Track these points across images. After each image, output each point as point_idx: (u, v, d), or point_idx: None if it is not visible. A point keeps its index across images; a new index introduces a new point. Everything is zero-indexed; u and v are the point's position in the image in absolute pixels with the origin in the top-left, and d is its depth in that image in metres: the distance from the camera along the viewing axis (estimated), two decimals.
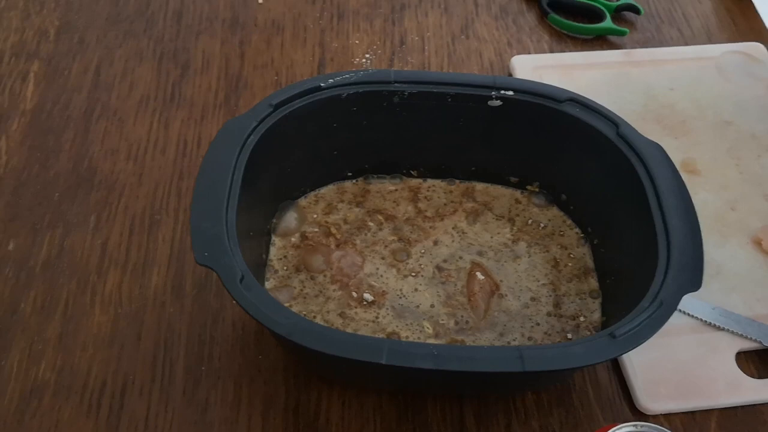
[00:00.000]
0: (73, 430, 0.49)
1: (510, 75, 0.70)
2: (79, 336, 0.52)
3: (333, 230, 0.56)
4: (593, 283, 0.54)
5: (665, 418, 0.50)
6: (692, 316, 0.54)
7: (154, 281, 0.55)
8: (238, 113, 0.65)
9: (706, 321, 0.54)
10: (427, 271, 0.55)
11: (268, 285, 0.53)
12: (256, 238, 0.53)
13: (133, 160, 0.62)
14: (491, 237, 0.56)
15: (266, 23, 0.74)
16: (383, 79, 0.53)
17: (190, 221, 0.45)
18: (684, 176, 0.50)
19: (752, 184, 0.62)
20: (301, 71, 0.70)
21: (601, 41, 0.74)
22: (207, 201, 0.46)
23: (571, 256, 0.55)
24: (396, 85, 0.53)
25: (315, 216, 0.57)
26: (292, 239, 0.56)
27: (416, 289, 0.54)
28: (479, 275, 0.54)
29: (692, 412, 0.50)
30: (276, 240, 0.55)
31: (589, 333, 0.52)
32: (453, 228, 0.57)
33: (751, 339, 0.53)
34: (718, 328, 0.53)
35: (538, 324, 0.52)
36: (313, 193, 0.58)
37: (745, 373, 0.52)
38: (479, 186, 0.59)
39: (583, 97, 0.53)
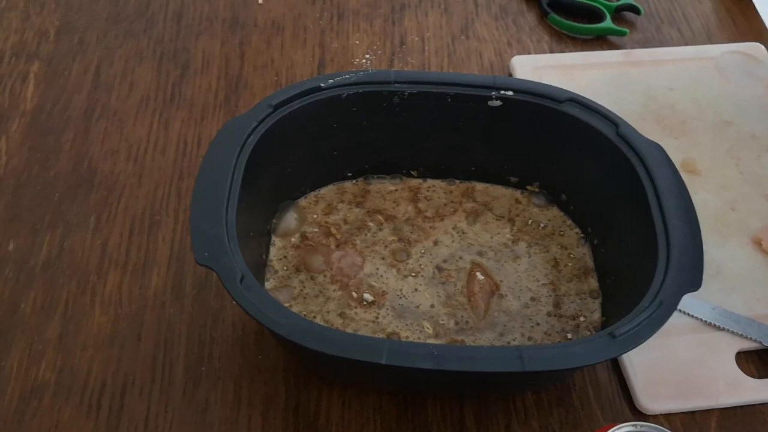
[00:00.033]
0: (73, 431, 0.49)
1: (510, 75, 0.70)
2: (79, 336, 0.52)
3: (333, 230, 0.56)
4: (593, 283, 0.54)
5: (665, 418, 0.50)
6: (692, 316, 0.54)
7: (154, 282, 0.55)
8: (238, 113, 0.65)
9: (706, 321, 0.54)
10: (427, 271, 0.55)
11: (268, 285, 0.53)
12: (256, 238, 0.53)
13: (133, 160, 0.62)
14: (491, 237, 0.56)
15: (266, 23, 0.74)
16: (383, 80, 0.53)
17: (190, 221, 0.45)
18: (684, 176, 0.50)
19: (752, 184, 0.62)
20: (301, 71, 0.70)
21: (601, 41, 0.74)
22: (207, 201, 0.46)
23: (571, 256, 0.55)
24: (396, 85, 0.53)
25: (315, 216, 0.57)
26: (292, 239, 0.56)
27: (416, 290, 0.54)
28: (479, 275, 0.54)
29: (692, 412, 0.50)
30: (276, 240, 0.55)
31: (589, 333, 0.51)
32: (453, 228, 0.57)
33: (751, 339, 0.53)
34: (718, 328, 0.53)
35: (538, 324, 0.52)
36: (313, 194, 0.58)
37: (745, 373, 0.52)
38: (479, 186, 0.59)
39: (583, 97, 0.53)
